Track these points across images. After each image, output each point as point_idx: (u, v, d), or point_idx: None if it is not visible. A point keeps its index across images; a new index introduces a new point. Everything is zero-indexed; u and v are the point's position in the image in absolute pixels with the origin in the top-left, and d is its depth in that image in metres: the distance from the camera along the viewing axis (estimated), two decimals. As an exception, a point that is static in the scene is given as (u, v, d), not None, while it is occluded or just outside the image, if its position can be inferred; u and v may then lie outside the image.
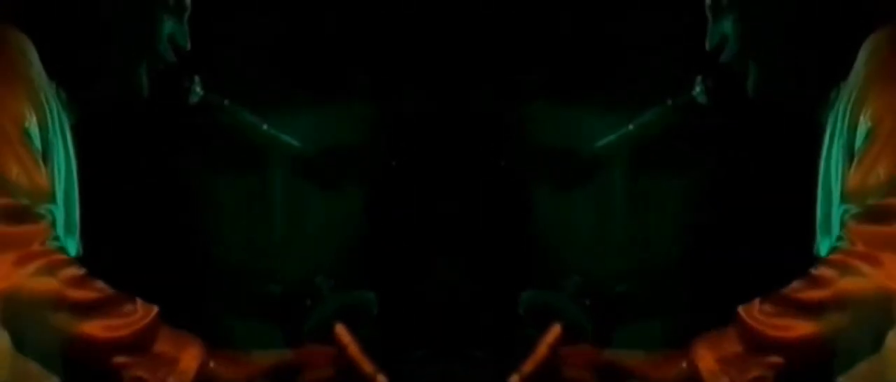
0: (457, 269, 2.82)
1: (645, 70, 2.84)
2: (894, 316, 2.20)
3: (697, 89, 2.69)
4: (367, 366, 2.36)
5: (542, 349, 2.35)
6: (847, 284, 2.19)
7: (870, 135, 2.24)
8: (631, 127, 2.75)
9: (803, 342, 2.21)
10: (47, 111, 2.30)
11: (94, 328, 2.20)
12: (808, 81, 2.39)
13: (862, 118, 2.26)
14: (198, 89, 2.65)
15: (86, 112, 2.41)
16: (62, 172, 2.33)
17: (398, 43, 2.84)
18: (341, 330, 2.39)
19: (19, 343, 2.21)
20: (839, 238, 2.24)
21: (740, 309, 2.25)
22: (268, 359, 2.36)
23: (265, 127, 2.72)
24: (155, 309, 2.25)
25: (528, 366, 2.34)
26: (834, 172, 2.33)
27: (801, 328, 2.21)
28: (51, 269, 2.19)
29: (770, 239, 2.72)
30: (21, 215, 2.21)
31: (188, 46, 2.43)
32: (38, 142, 2.26)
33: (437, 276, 2.82)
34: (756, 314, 2.23)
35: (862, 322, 2.20)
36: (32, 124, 2.25)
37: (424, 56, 2.84)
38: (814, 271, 2.23)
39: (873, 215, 2.21)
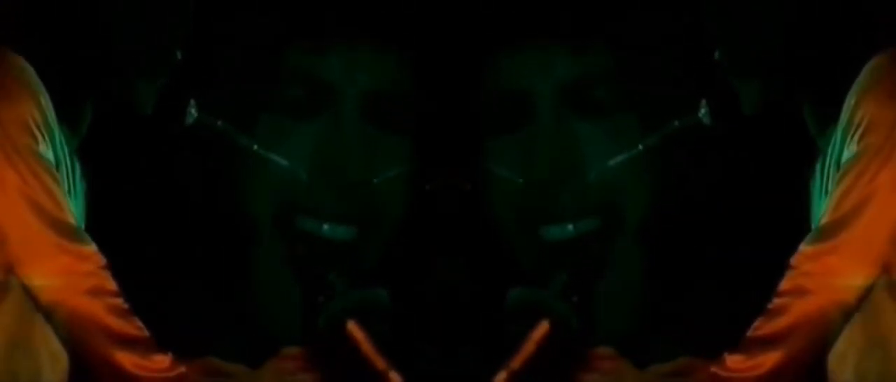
0: (457, 269, 2.83)
1: (645, 70, 2.83)
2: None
3: (703, 111, 2.69)
4: (379, 363, 2.39)
5: (530, 346, 2.39)
6: (799, 308, 2.26)
7: (855, 157, 2.27)
8: (640, 147, 2.75)
9: (775, 370, 2.27)
10: (56, 133, 2.34)
11: (124, 358, 2.28)
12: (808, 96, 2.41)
13: (849, 139, 2.29)
14: (193, 111, 2.66)
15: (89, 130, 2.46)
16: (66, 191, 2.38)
17: (397, 43, 2.84)
18: (354, 328, 2.42)
19: None
20: (789, 265, 2.30)
21: (714, 369, 2.31)
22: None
23: (256, 147, 2.74)
24: (182, 369, 2.31)
25: (516, 363, 2.37)
26: (830, 188, 2.35)
27: (771, 358, 2.27)
28: (100, 294, 2.28)
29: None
30: (79, 235, 2.30)
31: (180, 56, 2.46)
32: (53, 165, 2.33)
33: (438, 276, 2.82)
34: (730, 365, 2.30)
35: (826, 335, 2.27)
36: (46, 147, 2.31)
37: (424, 56, 2.84)
38: (770, 305, 2.29)
39: (820, 234, 2.28)
